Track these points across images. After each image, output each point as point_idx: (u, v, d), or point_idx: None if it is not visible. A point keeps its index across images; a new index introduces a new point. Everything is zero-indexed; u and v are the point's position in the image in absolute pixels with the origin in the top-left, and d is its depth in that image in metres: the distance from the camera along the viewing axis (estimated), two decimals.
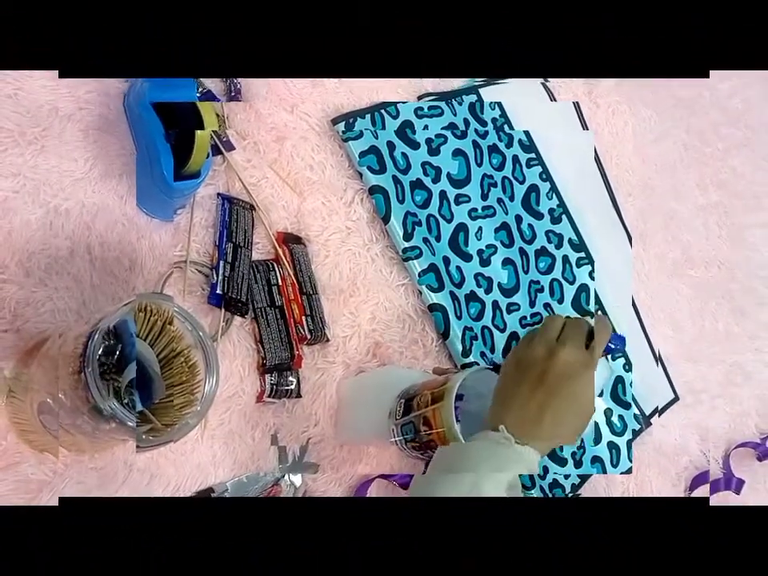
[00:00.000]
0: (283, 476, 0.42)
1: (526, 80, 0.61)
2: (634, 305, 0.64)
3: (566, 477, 0.53)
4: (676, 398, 0.64)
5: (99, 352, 0.30)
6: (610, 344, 0.36)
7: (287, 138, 0.46)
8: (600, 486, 0.57)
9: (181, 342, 0.32)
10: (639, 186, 0.68)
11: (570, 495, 0.54)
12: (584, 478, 0.54)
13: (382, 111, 0.49)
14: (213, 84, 0.46)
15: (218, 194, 0.43)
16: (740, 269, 0.70)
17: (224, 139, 0.43)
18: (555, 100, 0.63)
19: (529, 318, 0.53)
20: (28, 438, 0.37)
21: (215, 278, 0.41)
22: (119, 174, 0.42)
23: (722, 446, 0.64)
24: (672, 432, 0.62)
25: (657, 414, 0.62)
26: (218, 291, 0.41)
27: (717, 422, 0.64)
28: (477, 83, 0.57)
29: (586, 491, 0.55)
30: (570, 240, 0.56)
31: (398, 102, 0.51)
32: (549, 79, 0.63)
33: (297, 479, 0.43)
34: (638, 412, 0.59)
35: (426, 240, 0.49)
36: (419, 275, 0.48)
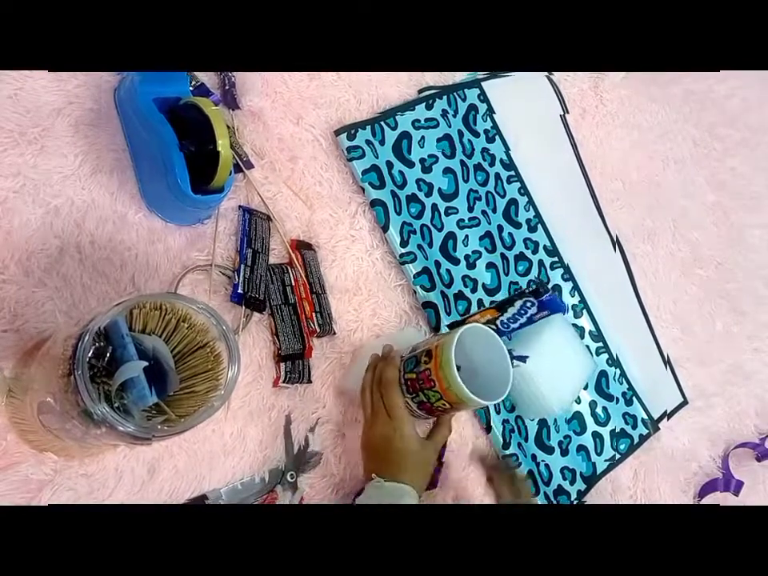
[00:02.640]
0: (279, 482, 0.46)
1: (530, 72, 0.66)
2: (642, 306, 0.68)
3: (572, 483, 0.58)
4: (685, 402, 0.67)
5: (89, 354, 0.30)
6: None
7: (299, 157, 0.54)
8: (606, 493, 0.60)
9: (206, 334, 0.36)
10: (646, 183, 0.71)
11: (575, 502, 0.58)
12: (590, 485, 0.59)
13: (382, 123, 0.57)
14: (206, 77, 0.48)
15: (240, 207, 0.50)
16: (740, 269, 0.74)
17: (244, 159, 0.51)
18: (560, 93, 0.69)
19: None
20: (28, 437, 0.38)
21: (237, 279, 0.48)
22: (110, 170, 0.43)
23: (720, 446, 0.67)
24: (681, 437, 0.66)
25: (666, 418, 0.65)
26: (239, 291, 0.47)
27: (716, 422, 0.68)
28: (479, 76, 0.64)
29: (592, 498, 0.59)
30: (544, 246, 0.64)
31: (397, 114, 0.58)
32: (554, 72, 0.68)
33: (293, 486, 0.46)
34: (645, 416, 0.64)
35: (419, 246, 0.57)
36: (414, 277, 0.56)
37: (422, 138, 0.59)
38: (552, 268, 0.65)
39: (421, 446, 0.45)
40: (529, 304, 0.41)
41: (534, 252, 0.64)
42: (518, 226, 0.64)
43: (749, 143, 0.79)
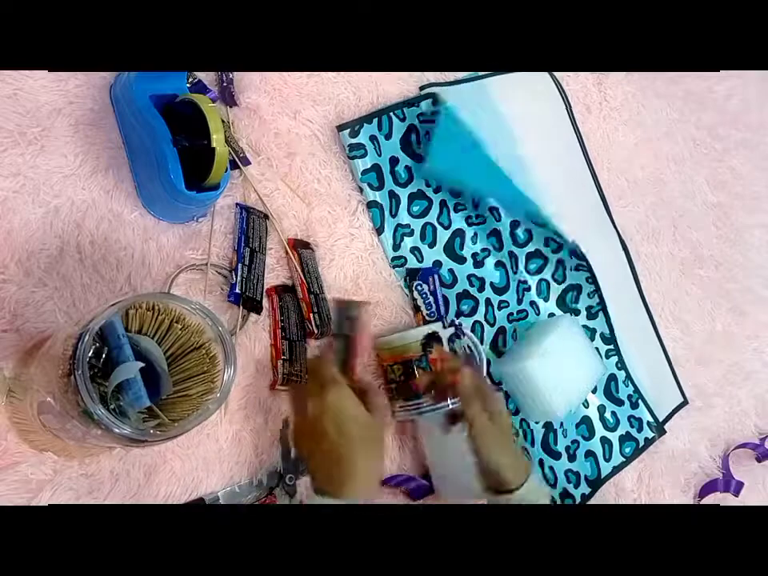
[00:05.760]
0: (278, 485, 0.47)
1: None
2: (646, 306, 0.69)
3: (576, 486, 0.59)
4: (685, 402, 0.68)
5: (89, 354, 0.31)
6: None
7: (297, 153, 0.55)
8: (610, 496, 0.62)
9: (201, 335, 0.37)
10: (651, 180, 0.73)
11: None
12: (595, 488, 0.61)
13: (391, 114, 0.56)
14: (204, 74, 0.49)
15: (236, 204, 0.51)
16: (739, 269, 0.76)
17: (241, 155, 0.52)
18: (563, 89, 0.70)
19: (515, 314, 0.62)
20: (28, 437, 0.39)
21: (234, 278, 0.49)
22: (105, 168, 0.44)
23: (720, 446, 0.69)
24: (681, 437, 0.67)
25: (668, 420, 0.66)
26: (236, 290, 0.48)
27: (716, 422, 0.70)
28: (482, 72, 0.64)
29: (596, 501, 0.60)
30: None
31: (404, 107, 0.57)
32: None
33: (292, 489, 0.46)
34: (651, 419, 0.65)
35: (413, 249, 0.58)
36: (404, 279, 0.57)
37: (426, 132, 0.58)
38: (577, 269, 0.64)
39: (365, 418, 0.36)
40: None
41: (555, 251, 0.63)
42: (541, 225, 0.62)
43: (749, 143, 0.81)
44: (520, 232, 0.62)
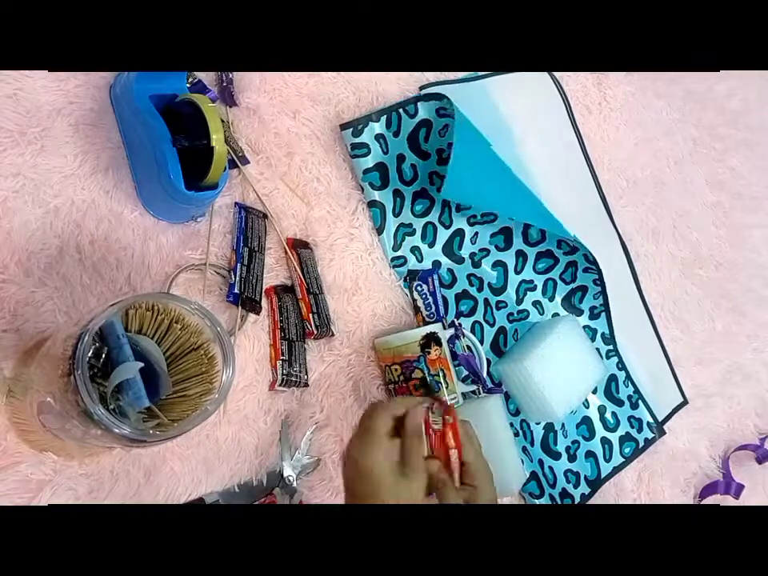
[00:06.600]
0: (278, 485, 0.47)
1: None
2: (645, 306, 0.69)
3: (576, 486, 0.59)
4: (685, 402, 0.69)
5: (89, 354, 0.31)
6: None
7: (296, 153, 0.55)
8: (610, 497, 0.62)
9: (200, 336, 0.37)
10: (651, 180, 0.73)
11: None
12: (594, 488, 0.61)
13: (400, 111, 0.55)
14: (204, 74, 0.50)
15: (235, 203, 0.51)
16: (739, 269, 0.76)
17: (240, 154, 0.52)
18: (563, 89, 0.70)
19: (516, 315, 0.62)
20: (28, 437, 0.39)
21: (233, 278, 0.49)
22: (105, 168, 0.45)
23: (720, 446, 0.69)
24: (681, 437, 0.67)
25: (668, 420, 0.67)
26: (235, 290, 0.48)
27: (716, 422, 0.70)
28: (482, 72, 0.64)
29: (596, 502, 0.60)
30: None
31: (417, 101, 0.55)
32: None
33: (292, 489, 0.47)
34: (651, 420, 0.65)
35: (414, 248, 0.58)
36: (404, 279, 0.57)
37: (445, 126, 0.57)
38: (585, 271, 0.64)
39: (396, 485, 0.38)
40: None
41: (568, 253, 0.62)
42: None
43: (749, 143, 0.81)
44: (533, 231, 0.61)
